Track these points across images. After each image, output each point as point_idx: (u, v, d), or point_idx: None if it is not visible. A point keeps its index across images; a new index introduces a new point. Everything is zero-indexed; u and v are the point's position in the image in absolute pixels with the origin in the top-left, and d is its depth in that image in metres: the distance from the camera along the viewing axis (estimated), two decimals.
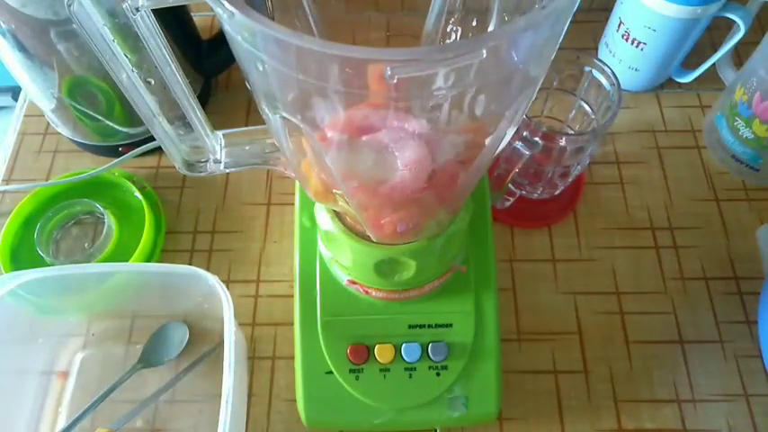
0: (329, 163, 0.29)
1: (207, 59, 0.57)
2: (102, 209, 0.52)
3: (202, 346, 0.49)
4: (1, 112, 1.53)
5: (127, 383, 0.46)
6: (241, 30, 0.21)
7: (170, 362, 0.48)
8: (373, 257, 0.37)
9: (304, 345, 0.42)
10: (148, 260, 0.51)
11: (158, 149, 0.56)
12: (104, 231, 0.51)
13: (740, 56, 0.61)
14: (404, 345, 0.41)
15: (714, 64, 0.57)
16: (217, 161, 0.35)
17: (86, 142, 0.56)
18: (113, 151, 0.56)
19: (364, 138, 0.29)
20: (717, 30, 0.58)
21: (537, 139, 0.43)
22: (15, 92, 1.31)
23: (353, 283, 0.41)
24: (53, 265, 0.50)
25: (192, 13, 0.57)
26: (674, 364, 0.48)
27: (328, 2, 0.32)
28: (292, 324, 0.43)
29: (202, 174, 0.35)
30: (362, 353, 0.41)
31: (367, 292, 0.41)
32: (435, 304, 0.42)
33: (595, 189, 0.56)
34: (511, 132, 0.30)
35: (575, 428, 0.45)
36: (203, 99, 0.60)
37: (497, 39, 0.20)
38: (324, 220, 0.39)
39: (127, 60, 0.27)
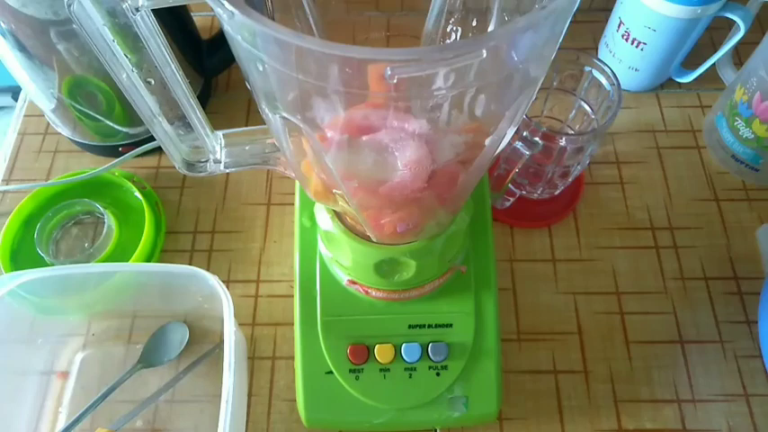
0: (329, 163, 0.29)
1: (207, 59, 0.57)
2: (102, 209, 0.52)
3: (202, 346, 0.49)
4: (1, 112, 1.53)
5: (127, 383, 0.46)
6: (241, 30, 0.21)
7: (170, 362, 0.48)
8: (373, 257, 0.37)
9: (304, 345, 0.42)
10: (148, 260, 0.51)
11: (158, 149, 0.56)
12: (104, 231, 0.51)
13: (740, 56, 0.61)
14: (404, 345, 0.42)
15: (714, 64, 0.57)
16: (217, 161, 0.35)
17: (86, 142, 0.56)
18: (113, 151, 0.56)
19: (364, 138, 0.29)
20: (717, 30, 0.58)
21: (537, 139, 0.43)
22: (15, 92, 1.31)
23: (353, 283, 0.41)
24: (53, 265, 0.50)
25: (192, 13, 0.57)
26: (674, 364, 0.48)
27: (328, 2, 0.33)
28: (292, 324, 0.43)
29: (202, 174, 0.35)
30: (362, 353, 0.41)
31: (367, 292, 0.41)
32: (435, 304, 0.42)
33: (595, 189, 0.56)
34: (511, 132, 0.30)
35: (575, 428, 0.45)
36: (203, 99, 0.60)
37: (497, 39, 0.20)
38: (324, 220, 0.39)
39: (127, 60, 0.27)
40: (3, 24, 0.43)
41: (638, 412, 0.46)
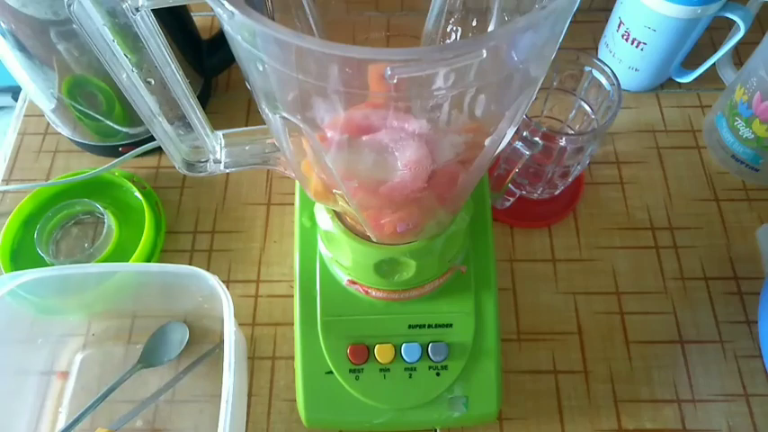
0: (329, 163, 0.29)
1: (207, 59, 0.57)
2: (102, 209, 0.52)
3: (202, 346, 0.49)
4: (1, 112, 1.53)
5: (127, 383, 0.46)
6: (241, 30, 0.21)
7: (170, 362, 0.48)
8: (373, 257, 0.37)
9: (304, 345, 0.42)
10: (148, 260, 0.51)
11: (158, 149, 0.56)
12: (104, 231, 0.51)
13: (740, 56, 0.61)
14: (404, 345, 0.42)
15: (714, 64, 0.57)
16: (217, 161, 0.35)
17: (86, 142, 0.56)
18: (113, 151, 0.56)
19: (364, 138, 0.29)
20: (717, 30, 0.58)
21: (537, 139, 0.43)
22: (15, 92, 1.31)
23: (353, 283, 0.41)
24: (53, 265, 0.49)
25: (192, 13, 0.57)
26: (674, 364, 0.48)
27: (328, 2, 0.32)
28: (292, 324, 0.43)
29: (202, 174, 0.35)
30: (362, 353, 0.41)
31: (367, 292, 0.41)
32: (435, 304, 0.42)
33: (595, 189, 0.56)
34: (511, 132, 0.30)
35: (575, 428, 0.45)
36: (203, 99, 0.60)
37: (497, 39, 0.20)
38: (324, 220, 0.39)
39: (127, 60, 0.27)
40: (3, 24, 0.43)
41: (638, 412, 0.46)
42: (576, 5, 0.22)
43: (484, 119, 0.28)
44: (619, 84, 0.44)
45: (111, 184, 0.55)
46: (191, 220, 0.55)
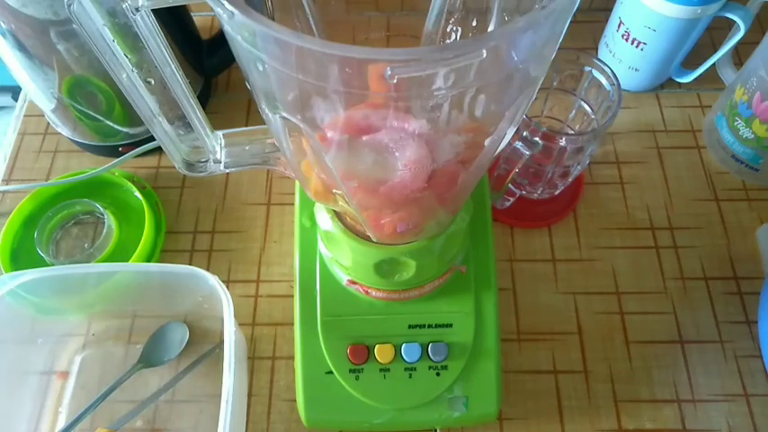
0: (329, 163, 0.29)
1: (207, 59, 0.57)
2: (102, 209, 0.52)
3: (202, 346, 0.49)
4: (1, 112, 1.53)
5: (127, 383, 0.46)
6: (241, 30, 0.21)
7: (170, 362, 0.48)
8: (373, 257, 0.37)
9: (304, 345, 0.42)
10: (148, 260, 0.51)
11: (158, 149, 0.56)
12: (104, 231, 0.51)
13: (740, 56, 0.61)
14: (404, 345, 0.42)
15: (714, 64, 0.57)
16: (217, 161, 0.35)
17: (86, 142, 0.56)
18: (113, 151, 0.56)
19: (364, 138, 0.29)
20: (717, 30, 0.58)
21: (537, 139, 0.43)
22: (15, 92, 1.31)
23: (353, 282, 0.41)
24: (53, 265, 0.50)
25: (192, 13, 0.57)
26: (674, 364, 0.48)
27: (328, 2, 0.32)
28: (292, 324, 0.43)
29: (202, 174, 0.35)
30: (362, 353, 0.41)
31: (367, 292, 0.41)
32: (435, 304, 0.42)
33: (595, 189, 0.56)
34: (511, 132, 0.30)
35: (575, 428, 0.45)
36: (203, 99, 0.60)
37: (497, 39, 0.20)
38: (324, 220, 0.39)
39: (127, 60, 0.27)
40: (3, 24, 0.43)
41: (638, 412, 0.46)
42: (576, 5, 0.22)
43: (484, 119, 0.28)
44: (619, 84, 0.44)
45: (111, 184, 0.55)
46: (191, 220, 0.55)
